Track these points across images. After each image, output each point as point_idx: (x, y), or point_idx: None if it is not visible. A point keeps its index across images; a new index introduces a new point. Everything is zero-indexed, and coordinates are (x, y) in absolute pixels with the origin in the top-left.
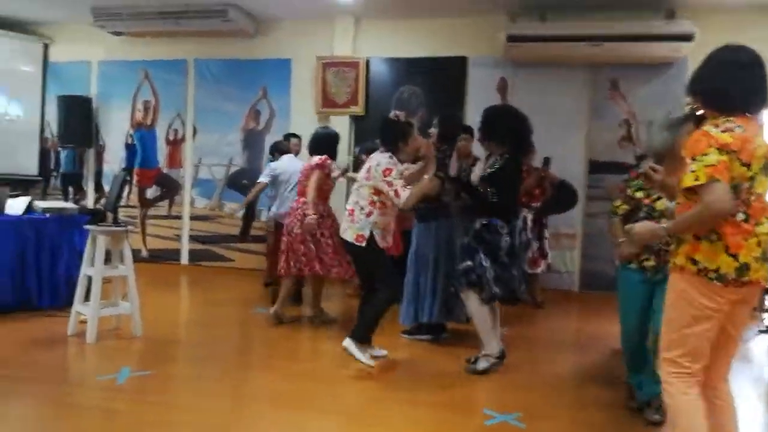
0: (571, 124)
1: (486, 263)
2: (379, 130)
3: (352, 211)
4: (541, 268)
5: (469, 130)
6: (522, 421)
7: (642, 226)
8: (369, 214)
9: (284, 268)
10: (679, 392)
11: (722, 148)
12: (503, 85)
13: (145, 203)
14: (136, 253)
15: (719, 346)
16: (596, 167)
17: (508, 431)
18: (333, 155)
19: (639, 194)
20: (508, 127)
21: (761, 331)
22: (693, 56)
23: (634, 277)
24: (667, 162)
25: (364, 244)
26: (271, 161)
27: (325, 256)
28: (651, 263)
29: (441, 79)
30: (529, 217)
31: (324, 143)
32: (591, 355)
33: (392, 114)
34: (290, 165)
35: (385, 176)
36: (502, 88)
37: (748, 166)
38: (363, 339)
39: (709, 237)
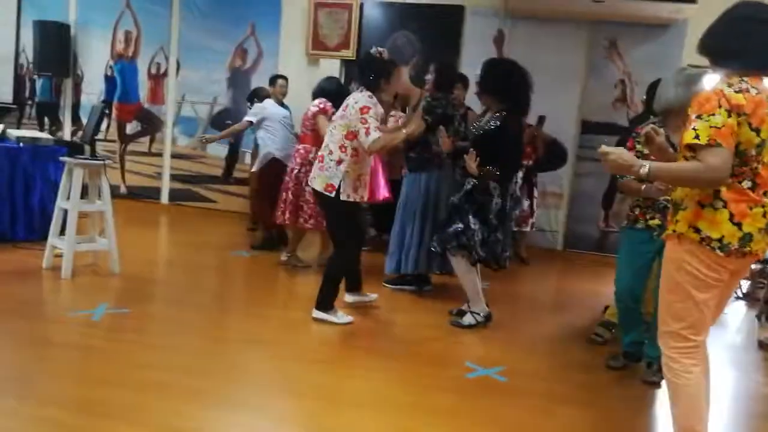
0: (566, 82)
1: (475, 225)
2: (358, 67)
3: (322, 157)
4: (528, 227)
5: (464, 80)
6: (504, 375)
7: (618, 152)
8: (339, 162)
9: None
10: (683, 371)
11: (732, 110)
12: (500, 37)
13: (124, 138)
14: (114, 189)
15: None
16: (589, 128)
17: (489, 385)
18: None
19: (647, 150)
20: (510, 83)
21: (737, 298)
22: (694, 20)
23: (640, 236)
24: (673, 119)
25: (333, 194)
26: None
27: (306, 205)
28: (656, 222)
29: (437, 27)
30: (519, 175)
31: (330, 94)
32: (573, 315)
33: (374, 50)
34: (275, 108)
35: (361, 113)
36: (499, 41)
37: (757, 131)
38: (328, 307)
39: (713, 204)
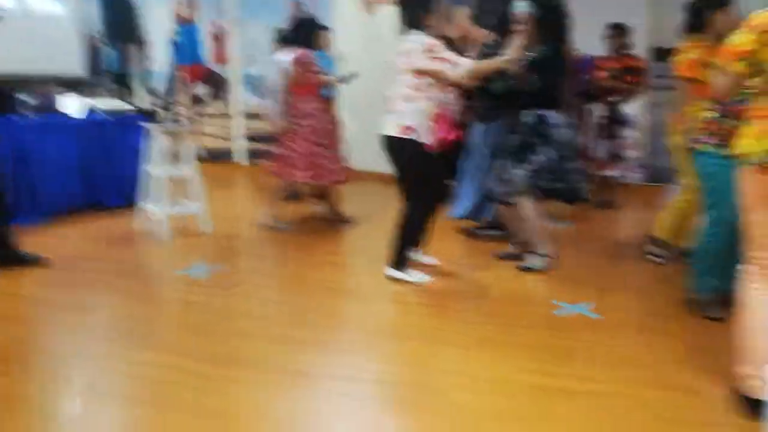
0: (628, 7)
1: (544, 157)
2: (398, 8)
3: (393, 103)
4: (613, 172)
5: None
6: (594, 311)
7: None
8: (412, 99)
9: (277, 170)
10: (747, 284)
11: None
12: None
13: (195, 101)
14: None
15: None
16: (662, 54)
17: (580, 321)
18: (310, 44)
19: None
20: (552, 18)
21: None
22: None
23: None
24: None
25: (412, 136)
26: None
27: (324, 161)
28: None
29: None
30: (596, 113)
31: (299, 33)
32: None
33: None
34: None
35: (433, 52)
36: None
37: None
38: (401, 265)
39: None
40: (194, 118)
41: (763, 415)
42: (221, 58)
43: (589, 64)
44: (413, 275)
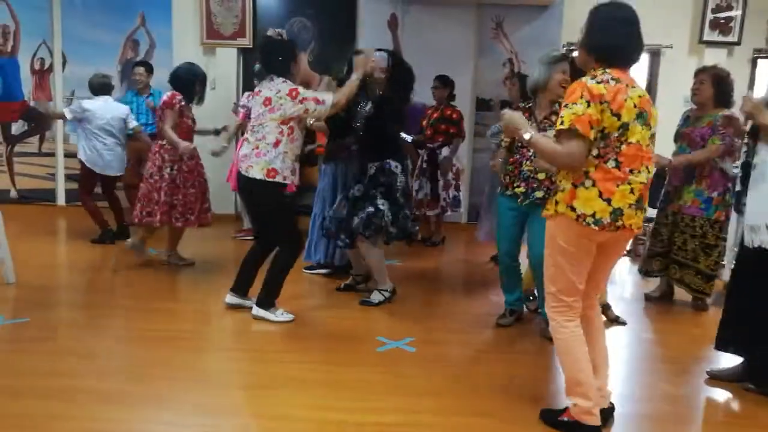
0: (458, 62)
1: (383, 206)
2: (261, 54)
3: (257, 146)
4: (436, 211)
5: None
6: (413, 345)
7: (515, 115)
8: (277, 144)
9: (138, 216)
10: (558, 326)
11: (593, 100)
12: (394, 21)
13: (10, 139)
14: (3, 194)
15: (592, 278)
16: (482, 105)
17: (398, 355)
18: (189, 95)
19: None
20: (403, 76)
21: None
22: (569, 0)
23: (507, 203)
24: (540, 96)
25: (277, 178)
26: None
27: (180, 205)
28: (521, 189)
29: (332, 11)
30: (424, 157)
31: (179, 80)
32: (477, 283)
33: (271, 32)
34: (102, 108)
35: (294, 98)
36: (393, 24)
37: (618, 116)
38: (270, 304)
39: (584, 184)
40: (7, 157)
41: None
42: (43, 95)
43: (421, 112)
44: (278, 314)
